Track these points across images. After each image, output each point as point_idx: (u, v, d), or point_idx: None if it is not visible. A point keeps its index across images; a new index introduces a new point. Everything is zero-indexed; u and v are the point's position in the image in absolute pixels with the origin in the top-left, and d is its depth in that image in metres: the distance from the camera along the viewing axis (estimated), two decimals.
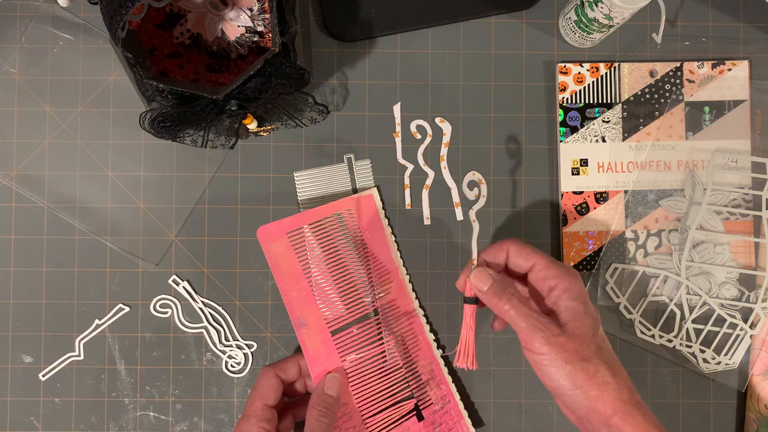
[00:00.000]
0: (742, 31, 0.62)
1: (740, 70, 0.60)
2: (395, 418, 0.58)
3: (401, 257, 0.60)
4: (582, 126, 0.60)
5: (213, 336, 0.60)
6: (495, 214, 0.61)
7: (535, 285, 0.50)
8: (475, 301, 0.51)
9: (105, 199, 0.60)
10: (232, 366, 0.60)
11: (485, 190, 0.60)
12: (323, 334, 0.58)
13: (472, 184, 0.60)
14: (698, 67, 0.60)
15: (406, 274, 0.60)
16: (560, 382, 0.46)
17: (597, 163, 0.60)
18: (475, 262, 0.51)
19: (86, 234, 0.60)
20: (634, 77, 0.60)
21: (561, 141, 0.60)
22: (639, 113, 0.60)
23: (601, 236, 0.60)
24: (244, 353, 0.60)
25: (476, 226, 0.52)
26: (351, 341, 0.58)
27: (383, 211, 0.60)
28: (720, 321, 0.59)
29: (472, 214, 0.53)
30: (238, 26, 0.56)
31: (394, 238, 0.60)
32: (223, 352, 0.60)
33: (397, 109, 0.61)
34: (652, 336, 0.59)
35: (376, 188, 0.60)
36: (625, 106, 0.60)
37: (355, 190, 0.60)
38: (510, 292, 0.48)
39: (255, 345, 0.60)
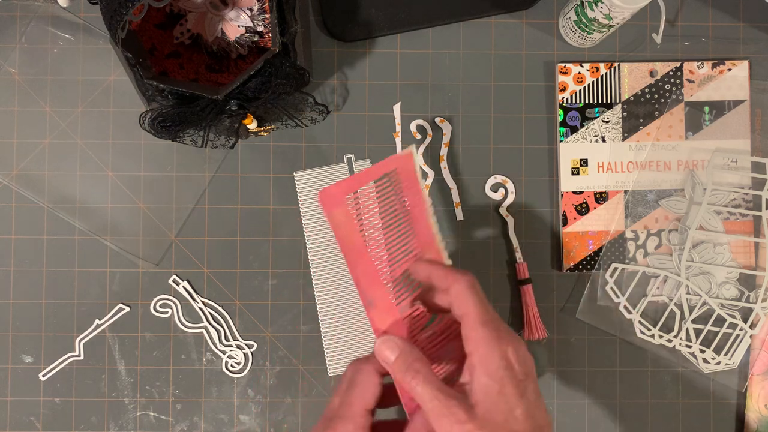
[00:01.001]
0: (742, 31, 0.62)
1: (740, 70, 0.60)
2: None
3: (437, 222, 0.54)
4: (582, 126, 0.60)
5: (213, 336, 0.60)
6: (494, 215, 0.61)
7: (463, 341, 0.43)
8: (529, 281, 0.60)
9: (105, 199, 0.60)
10: (232, 366, 0.60)
11: (512, 188, 0.61)
12: (393, 313, 0.49)
13: (497, 186, 0.60)
14: (698, 67, 0.60)
15: (441, 240, 0.55)
16: None
17: (597, 163, 0.60)
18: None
19: (86, 234, 0.60)
20: (634, 77, 0.60)
21: (561, 141, 0.60)
22: (639, 113, 0.60)
23: (601, 236, 0.60)
24: (244, 353, 0.60)
25: (510, 220, 0.60)
26: (419, 319, 0.49)
27: (420, 171, 0.54)
28: (720, 321, 0.59)
29: (503, 210, 0.60)
30: (238, 26, 0.56)
31: (430, 202, 0.54)
32: (223, 352, 0.60)
33: (397, 109, 0.61)
34: (652, 336, 0.59)
35: (414, 146, 0.52)
36: (625, 106, 0.60)
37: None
38: (416, 368, 0.42)
39: (255, 345, 0.60)
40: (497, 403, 0.40)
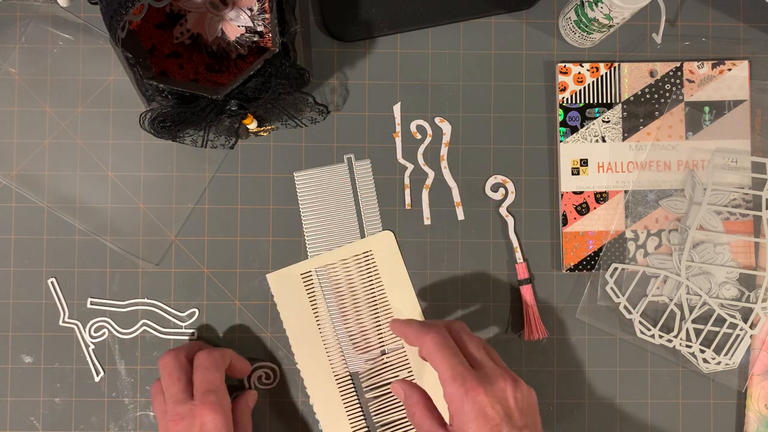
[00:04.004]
0: (742, 31, 0.62)
1: (740, 70, 0.60)
2: None
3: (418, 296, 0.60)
4: (582, 126, 0.60)
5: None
6: (494, 215, 0.61)
7: None
8: (529, 281, 0.59)
9: (105, 199, 0.60)
10: None
11: (512, 187, 0.60)
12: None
13: (497, 186, 0.60)
14: (698, 67, 0.60)
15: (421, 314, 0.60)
16: None
17: (597, 163, 0.60)
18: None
19: (86, 234, 0.60)
20: (634, 77, 0.60)
21: (561, 141, 0.60)
22: (639, 113, 0.60)
23: (601, 236, 0.60)
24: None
25: (510, 220, 0.60)
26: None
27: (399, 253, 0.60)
28: (720, 321, 0.59)
29: (503, 210, 0.60)
30: (238, 26, 0.56)
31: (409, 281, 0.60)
32: None
33: (397, 109, 0.61)
34: (652, 336, 0.59)
35: (391, 232, 0.60)
36: (625, 106, 0.60)
37: (355, 190, 0.60)
38: (412, 407, 0.49)
39: (255, 345, 0.60)
40: None
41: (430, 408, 0.49)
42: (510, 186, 0.61)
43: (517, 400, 0.47)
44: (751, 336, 0.59)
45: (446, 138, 0.61)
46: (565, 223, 0.60)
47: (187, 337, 0.60)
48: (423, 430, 0.48)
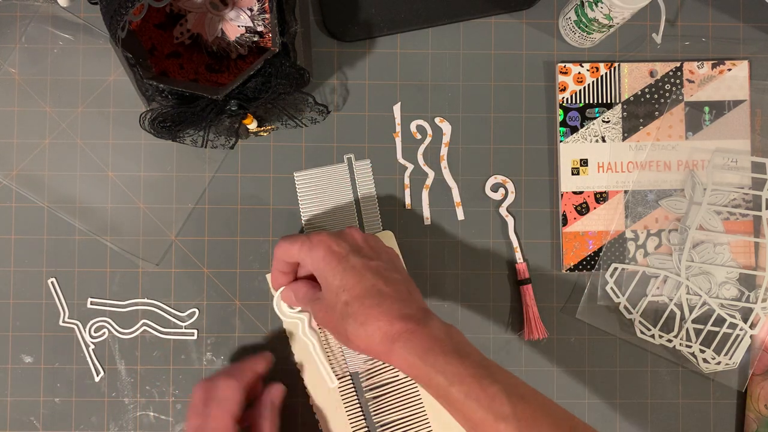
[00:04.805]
0: (742, 31, 0.62)
1: (740, 70, 0.60)
2: None
3: None
4: (582, 126, 0.60)
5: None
6: (494, 215, 0.61)
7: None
8: (529, 281, 0.59)
9: (105, 199, 0.60)
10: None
11: (512, 187, 0.60)
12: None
13: (497, 186, 0.60)
14: (698, 67, 0.60)
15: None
16: (344, 346, 0.54)
17: (597, 163, 0.60)
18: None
19: (86, 234, 0.60)
20: (634, 77, 0.60)
21: (561, 141, 0.60)
22: (639, 113, 0.60)
23: (601, 236, 0.60)
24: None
25: (510, 220, 0.60)
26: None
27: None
28: (720, 321, 0.59)
29: (503, 210, 0.60)
30: (238, 26, 0.56)
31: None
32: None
33: (397, 109, 0.61)
34: (652, 336, 0.59)
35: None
36: (625, 106, 0.60)
37: (355, 191, 0.60)
38: (294, 298, 0.55)
39: (255, 345, 0.60)
40: (327, 285, 0.49)
41: (306, 288, 0.54)
42: (510, 186, 0.61)
43: (367, 240, 0.52)
44: (751, 336, 0.59)
45: (446, 138, 0.61)
46: (565, 223, 0.60)
47: (187, 337, 0.60)
48: (305, 306, 0.53)
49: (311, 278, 0.55)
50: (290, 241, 0.52)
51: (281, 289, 0.56)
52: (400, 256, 0.55)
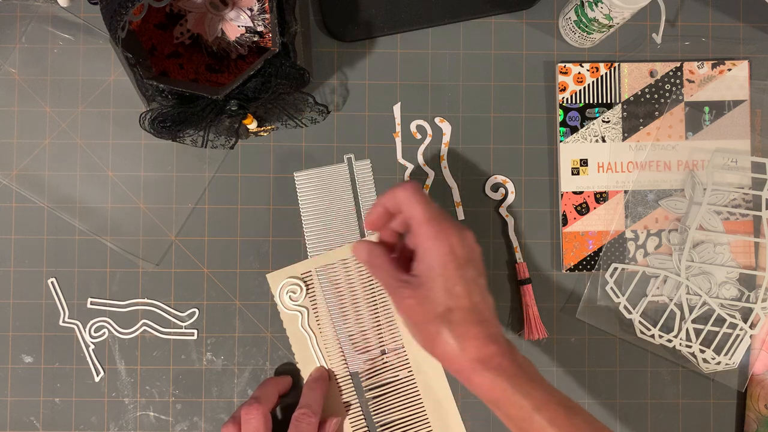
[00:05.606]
0: (742, 31, 0.62)
1: (740, 70, 0.60)
2: None
3: None
4: (582, 126, 0.60)
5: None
6: (494, 215, 0.61)
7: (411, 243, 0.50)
8: (529, 281, 0.59)
9: (105, 199, 0.60)
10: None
11: (512, 187, 0.60)
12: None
13: (497, 186, 0.60)
14: (698, 67, 0.60)
15: None
16: (415, 340, 0.48)
17: (597, 163, 0.60)
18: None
19: (86, 234, 0.60)
20: (634, 77, 0.60)
21: (561, 141, 0.60)
22: (639, 113, 0.60)
23: (601, 236, 0.60)
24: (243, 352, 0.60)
25: (510, 220, 0.60)
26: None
27: None
28: (720, 321, 0.59)
29: (503, 210, 0.60)
30: (238, 26, 0.56)
31: None
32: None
33: (397, 109, 0.61)
34: (652, 336, 0.59)
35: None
36: (625, 106, 0.60)
37: (355, 190, 0.60)
38: (377, 263, 0.50)
39: (255, 345, 0.60)
40: (437, 281, 0.46)
41: (391, 260, 0.50)
42: (510, 186, 0.61)
43: (479, 253, 0.50)
44: (751, 336, 0.59)
45: (446, 138, 0.61)
46: (565, 223, 0.60)
47: (187, 337, 0.60)
48: (386, 280, 0.49)
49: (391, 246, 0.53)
50: (424, 207, 0.48)
51: (350, 243, 0.53)
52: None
